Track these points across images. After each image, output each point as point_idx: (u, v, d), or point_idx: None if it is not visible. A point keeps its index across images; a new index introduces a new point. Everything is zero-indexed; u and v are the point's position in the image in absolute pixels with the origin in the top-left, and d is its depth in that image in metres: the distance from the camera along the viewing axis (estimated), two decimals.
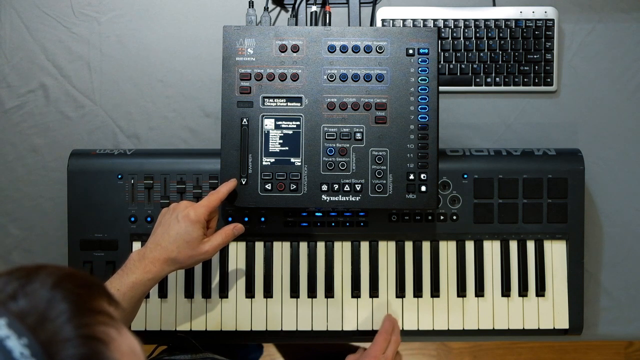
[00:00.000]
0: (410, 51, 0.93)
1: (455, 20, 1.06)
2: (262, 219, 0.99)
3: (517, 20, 1.06)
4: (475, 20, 1.06)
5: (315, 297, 0.99)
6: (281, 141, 0.93)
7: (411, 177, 0.92)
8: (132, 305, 0.83)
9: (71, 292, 0.46)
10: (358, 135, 0.93)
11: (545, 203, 1.00)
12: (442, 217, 0.99)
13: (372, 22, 1.08)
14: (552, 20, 1.06)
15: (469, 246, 1.00)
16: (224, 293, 0.99)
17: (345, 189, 0.92)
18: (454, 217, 0.99)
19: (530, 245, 1.01)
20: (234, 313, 0.99)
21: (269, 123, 0.93)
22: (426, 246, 1.00)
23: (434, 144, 0.92)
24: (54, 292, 0.45)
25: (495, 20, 1.06)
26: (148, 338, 0.99)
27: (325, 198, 0.92)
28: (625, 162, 1.08)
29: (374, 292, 1.00)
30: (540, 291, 1.00)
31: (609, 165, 1.07)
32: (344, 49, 0.93)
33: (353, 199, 0.92)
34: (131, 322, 0.91)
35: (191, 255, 0.84)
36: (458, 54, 1.07)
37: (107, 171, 0.99)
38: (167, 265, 0.84)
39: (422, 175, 0.92)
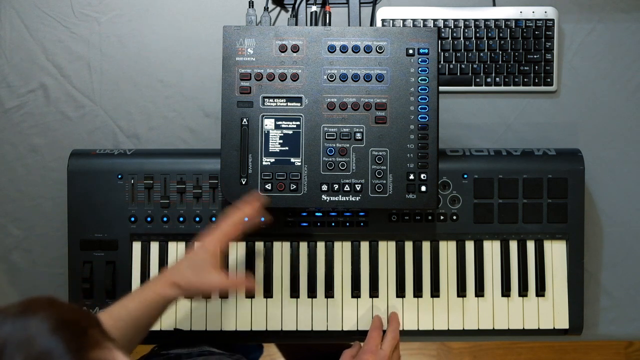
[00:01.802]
0: (410, 51, 0.93)
1: (455, 20, 1.06)
2: (262, 218, 0.99)
3: (517, 20, 1.06)
4: (475, 20, 1.06)
5: (315, 297, 0.99)
6: (281, 141, 0.92)
7: (411, 177, 0.92)
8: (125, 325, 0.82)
9: (70, 343, 0.41)
10: (358, 135, 0.92)
11: (545, 203, 0.99)
12: (442, 217, 0.99)
13: (372, 22, 1.08)
14: (552, 20, 1.06)
15: (469, 246, 1.00)
16: (223, 293, 0.99)
17: (345, 189, 0.92)
18: (454, 217, 0.99)
19: (530, 245, 1.01)
20: (234, 313, 0.99)
21: (269, 123, 0.93)
22: (426, 246, 1.00)
23: (434, 144, 0.92)
24: (51, 342, 0.40)
25: (495, 20, 1.06)
26: (148, 338, 0.99)
27: (325, 198, 0.92)
28: (625, 162, 1.08)
29: (374, 292, 0.99)
30: (540, 291, 1.00)
31: (609, 165, 1.07)
32: (344, 49, 0.93)
33: (353, 199, 0.92)
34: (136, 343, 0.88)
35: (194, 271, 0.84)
36: (458, 54, 1.07)
37: (107, 171, 0.99)
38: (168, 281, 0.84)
39: (422, 175, 0.92)
